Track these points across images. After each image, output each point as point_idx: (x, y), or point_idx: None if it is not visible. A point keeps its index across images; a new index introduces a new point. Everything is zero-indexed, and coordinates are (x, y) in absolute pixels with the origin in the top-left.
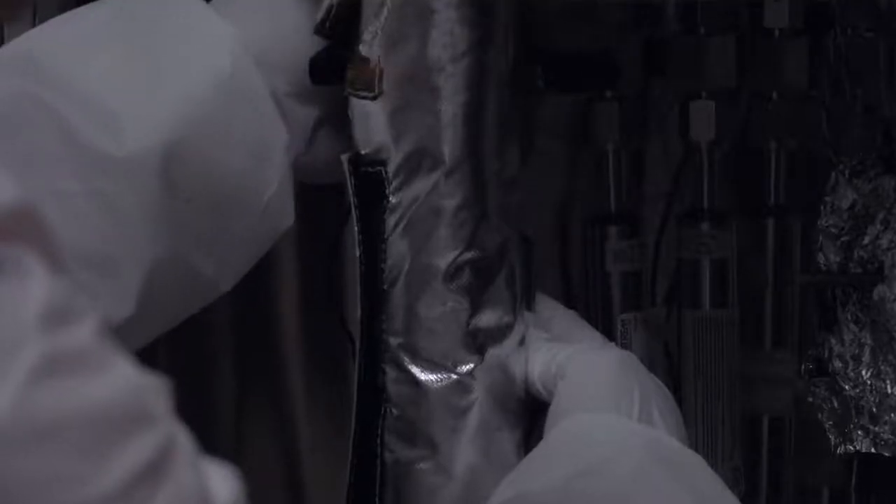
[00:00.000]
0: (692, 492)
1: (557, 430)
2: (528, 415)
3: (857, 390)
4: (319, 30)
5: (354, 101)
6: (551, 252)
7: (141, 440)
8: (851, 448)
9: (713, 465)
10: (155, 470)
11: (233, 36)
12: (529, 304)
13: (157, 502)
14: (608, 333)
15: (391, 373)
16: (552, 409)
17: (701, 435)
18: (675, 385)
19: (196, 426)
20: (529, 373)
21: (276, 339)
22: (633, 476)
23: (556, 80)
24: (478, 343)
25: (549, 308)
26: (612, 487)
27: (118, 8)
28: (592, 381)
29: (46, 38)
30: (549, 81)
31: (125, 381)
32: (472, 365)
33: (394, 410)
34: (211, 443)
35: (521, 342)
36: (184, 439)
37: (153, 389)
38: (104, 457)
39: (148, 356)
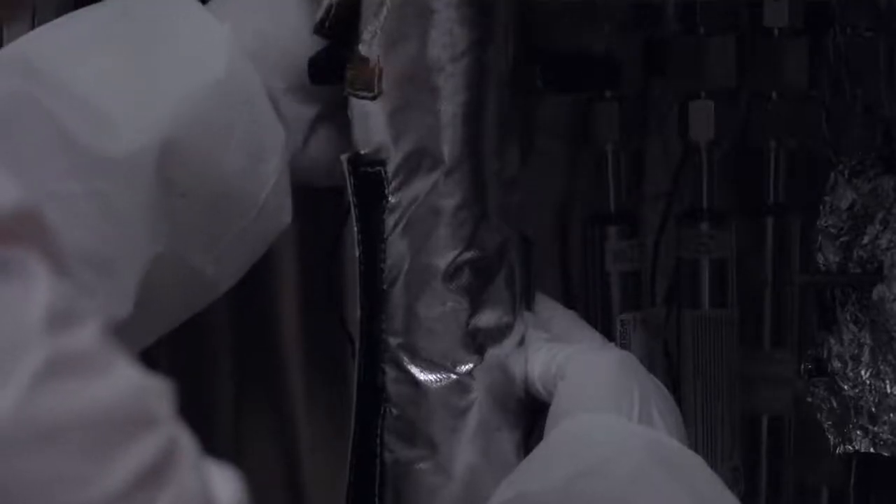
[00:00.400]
0: (692, 493)
1: (557, 431)
2: (528, 415)
3: (857, 390)
4: (319, 29)
5: (354, 101)
6: (551, 252)
7: (144, 442)
8: (850, 448)
9: (713, 464)
10: (157, 472)
11: (228, 35)
12: (529, 305)
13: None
14: (608, 333)
15: (391, 373)
16: (552, 409)
17: (700, 435)
18: (675, 385)
19: (195, 426)
20: (529, 373)
21: (276, 340)
22: (632, 477)
23: (556, 79)
24: (477, 343)
25: (548, 308)
26: (611, 488)
27: (114, 10)
28: (592, 381)
29: (42, 41)
30: (548, 81)
31: (128, 383)
32: (471, 365)
33: (393, 410)
34: (210, 443)
35: (521, 342)
36: (186, 441)
37: (156, 391)
38: (107, 458)
39: (147, 356)
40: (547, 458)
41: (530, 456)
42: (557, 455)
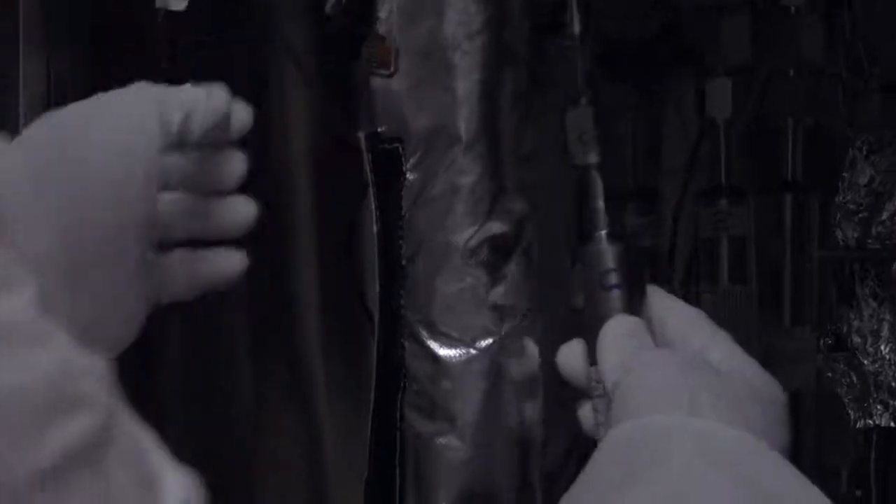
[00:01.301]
0: (740, 482)
1: (602, 444)
2: (546, 390)
3: (876, 365)
4: (334, 9)
5: (372, 79)
6: (566, 229)
7: (73, 422)
8: (871, 422)
9: None
10: (88, 454)
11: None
12: (638, 308)
13: (87, 488)
14: None
15: (410, 348)
16: (612, 414)
17: None
18: None
19: (215, 405)
20: (602, 372)
21: (296, 316)
22: (680, 475)
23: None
24: (496, 318)
25: (663, 306)
26: (656, 494)
27: None
28: (644, 382)
29: None
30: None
31: (59, 359)
32: (490, 340)
33: (413, 385)
34: (230, 422)
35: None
36: (131, 428)
37: (91, 371)
38: (31, 437)
39: (164, 335)
40: (591, 475)
41: (581, 475)
42: (600, 469)
